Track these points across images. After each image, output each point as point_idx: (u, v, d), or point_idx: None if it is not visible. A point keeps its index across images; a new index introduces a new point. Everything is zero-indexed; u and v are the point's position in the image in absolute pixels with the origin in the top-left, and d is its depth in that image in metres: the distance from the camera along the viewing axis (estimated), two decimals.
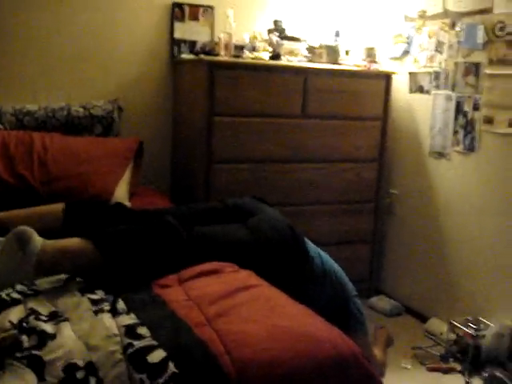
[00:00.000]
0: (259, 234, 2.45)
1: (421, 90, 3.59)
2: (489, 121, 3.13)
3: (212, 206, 2.76)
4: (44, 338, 1.54)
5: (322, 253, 2.79)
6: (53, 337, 1.56)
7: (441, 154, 3.46)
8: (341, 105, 3.52)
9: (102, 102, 3.34)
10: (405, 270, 3.79)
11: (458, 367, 3.03)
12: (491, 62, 3.08)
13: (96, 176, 2.91)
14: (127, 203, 2.91)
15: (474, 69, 3.19)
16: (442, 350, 3.19)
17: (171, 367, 1.44)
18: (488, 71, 3.10)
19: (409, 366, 3.04)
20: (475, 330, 3.05)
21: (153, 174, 3.60)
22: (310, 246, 2.67)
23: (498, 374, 2.87)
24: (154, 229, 2.20)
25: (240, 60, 3.29)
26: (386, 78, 3.64)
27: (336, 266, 2.79)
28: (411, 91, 3.67)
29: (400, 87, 3.73)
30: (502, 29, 3.02)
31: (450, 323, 3.16)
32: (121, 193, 2.94)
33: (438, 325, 3.36)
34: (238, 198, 2.75)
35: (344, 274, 2.83)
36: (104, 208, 2.53)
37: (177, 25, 3.60)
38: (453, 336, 3.15)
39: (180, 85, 3.56)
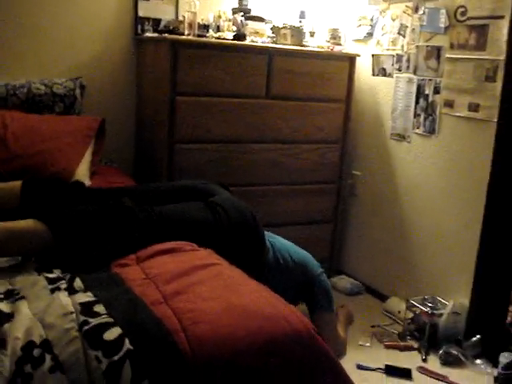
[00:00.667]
0: (222, 214, 2.47)
1: (383, 72, 3.62)
2: (449, 104, 3.18)
3: (173, 185, 2.76)
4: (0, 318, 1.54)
5: (277, 240, 2.83)
6: (9, 316, 1.56)
7: (402, 137, 3.50)
8: (305, 86, 3.53)
9: (64, 79, 3.30)
10: (365, 250, 3.85)
11: (415, 345, 3.10)
12: (452, 46, 3.13)
13: (57, 154, 2.88)
14: (88, 182, 2.90)
15: (435, 52, 3.23)
16: (399, 328, 3.26)
17: (127, 344, 1.45)
18: (449, 55, 3.15)
19: (367, 344, 3.10)
20: (432, 308, 3.12)
21: (116, 153, 3.58)
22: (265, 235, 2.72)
23: (453, 351, 2.96)
24: (108, 210, 2.19)
25: (204, 39, 3.27)
26: (350, 60, 3.66)
27: (293, 251, 2.83)
28: (374, 74, 3.70)
29: (363, 69, 3.76)
30: (463, 13, 3.05)
31: (408, 302, 3.23)
32: (82, 171, 2.91)
33: (396, 304, 3.43)
34: (200, 180, 2.77)
35: (305, 255, 2.88)
36: (61, 186, 2.51)
37: (141, 3, 3.56)
38: (410, 314, 3.22)
39: (143, 63, 3.54)
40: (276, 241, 2.84)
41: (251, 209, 2.58)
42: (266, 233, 2.73)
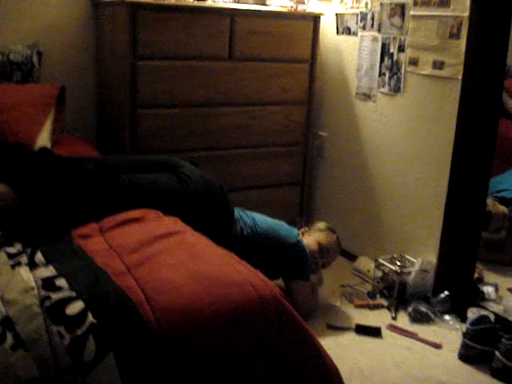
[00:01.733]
0: (190, 184, 2.45)
1: (348, 31, 3.58)
2: (414, 62, 3.15)
3: (144, 158, 2.74)
4: None
5: (246, 213, 2.84)
6: None
7: (367, 96, 3.48)
8: (268, 47, 3.48)
9: (20, 46, 3.19)
10: (334, 211, 3.85)
11: (385, 303, 3.13)
12: (416, 3, 3.09)
13: (16, 124, 2.82)
14: None
15: (399, 10, 3.19)
16: (369, 288, 3.28)
17: (90, 318, 1.44)
18: (413, 12, 3.11)
19: (337, 304, 3.12)
20: (401, 267, 3.15)
21: (77, 122, 3.49)
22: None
23: (422, 308, 2.99)
24: (74, 175, 2.16)
25: (164, 1, 3.18)
26: (314, 19, 3.60)
27: (262, 221, 2.84)
28: (338, 33, 3.65)
29: (327, 29, 3.71)
30: None
31: (377, 261, 3.25)
32: (43, 141, 2.85)
33: (365, 263, 3.45)
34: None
35: (275, 225, 2.88)
36: (28, 152, 2.47)
37: None
38: (380, 273, 3.24)
39: (102, 28, 3.43)
40: (245, 213, 2.84)
41: (219, 181, 2.57)
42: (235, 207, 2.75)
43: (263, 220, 2.89)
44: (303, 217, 3.76)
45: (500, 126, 2.88)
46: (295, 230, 2.98)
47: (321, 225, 3.17)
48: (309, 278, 2.92)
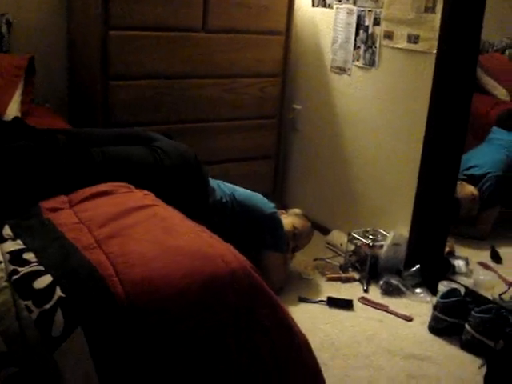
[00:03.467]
0: (163, 156, 2.43)
1: (323, 3, 3.54)
2: (389, 36, 3.14)
3: (116, 131, 2.71)
4: None
5: (222, 183, 2.83)
6: None
7: (342, 69, 3.47)
8: (243, 18, 3.43)
9: None
10: (308, 184, 3.86)
11: (357, 276, 3.16)
12: None
13: None
14: None
15: None
16: (341, 261, 3.30)
17: (58, 292, 1.42)
18: None
19: (310, 277, 3.14)
20: (373, 240, 3.17)
21: (48, 93, 3.42)
22: (210, 179, 2.72)
23: (393, 281, 3.03)
24: (45, 147, 2.14)
25: None
26: None
27: (239, 192, 2.83)
28: (314, 5, 3.61)
29: (303, 1, 3.67)
30: None
31: (350, 235, 3.27)
32: (12, 112, 2.81)
33: (338, 237, 3.47)
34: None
35: (252, 196, 2.88)
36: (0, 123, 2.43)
37: None
38: (352, 247, 3.26)
39: None
40: (221, 183, 2.83)
41: (193, 151, 2.55)
42: (210, 178, 2.72)
43: (242, 190, 2.89)
44: (272, 194, 3.76)
45: (473, 102, 2.89)
46: (272, 203, 2.98)
47: (297, 211, 3.22)
48: (283, 251, 2.93)
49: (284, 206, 3.92)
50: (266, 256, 2.87)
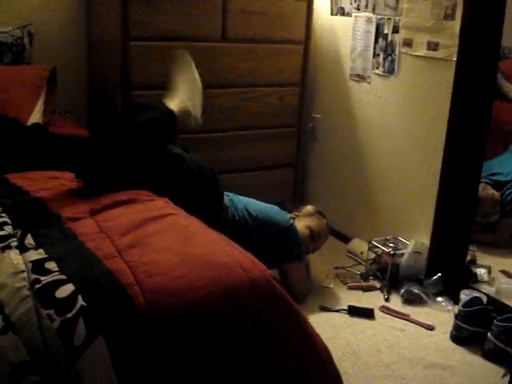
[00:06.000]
0: (183, 165, 2.45)
1: (342, 11, 3.54)
2: (408, 43, 3.13)
3: None
4: None
5: (237, 198, 2.82)
6: None
7: (361, 77, 3.46)
8: (262, 28, 3.44)
9: (11, 27, 3.15)
10: (328, 193, 3.85)
11: (378, 285, 3.14)
12: None
13: (7, 106, 2.82)
14: None
15: None
16: (362, 269, 3.29)
17: (80, 301, 1.42)
18: None
19: (331, 285, 3.13)
20: (394, 248, 3.16)
21: (69, 103, 3.46)
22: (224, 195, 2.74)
23: (414, 289, 3.00)
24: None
25: None
26: None
27: (254, 208, 2.83)
28: (333, 13, 3.62)
29: (322, 9, 3.68)
30: None
31: (371, 243, 3.25)
32: (34, 122, 2.84)
33: (359, 245, 3.46)
34: None
35: (268, 210, 2.88)
36: (20, 127, 2.47)
37: None
38: (373, 255, 3.25)
39: (93, 7, 3.39)
40: (236, 198, 2.83)
41: (211, 163, 2.57)
42: (225, 192, 2.75)
43: (256, 204, 2.88)
44: (291, 200, 3.75)
45: (495, 109, 2.87)
46: (288, 214, 2.97)
47: (310, 208, 3.17)
48: (303, 259, 2.93)
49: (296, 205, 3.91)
50: (288, 267, 2.87)
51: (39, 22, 3.35)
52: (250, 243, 2.62)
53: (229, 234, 2.54)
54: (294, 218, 3.02)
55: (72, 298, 1.43)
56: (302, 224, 3.01)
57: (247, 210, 2.80)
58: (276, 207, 2.95)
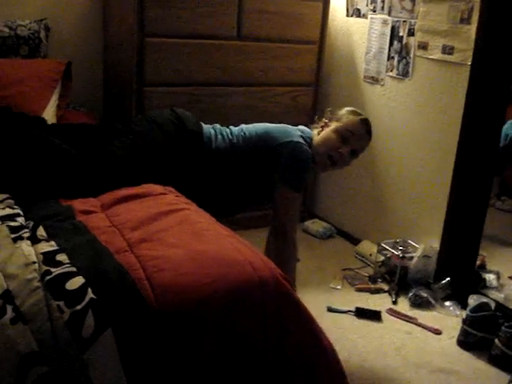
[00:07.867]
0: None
1: (358, 13, 3.54)
2: (423, 46, 3.13)
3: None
4: None
5: (229, 129, 2.68)
6: None
7: (375, 79, 3.46)
8: (277, 27, 3.45)
9: (28, 21, 3.17)
10: (338, 194, 3.84)
11: (386, 287, 3.14)
12: None
13: (22, 99, 2.81)
14: None
15: None
16: (371, 272, 3.29)
17: (89, 293, 1.44)
18: None
19: (339, 287, 3.13)
20: (403, 251, 3.15)
21: (84, 97, 3.48)
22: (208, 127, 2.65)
23: (423, 293, 3.00)
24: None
25: None
26: (324, 0, 3.57)
27: (254, 127, 2.65)
28: (348, 14, 3.61)
29: (337, 10, 3.67)
30: None
31: (380, 245, 3.25)
32: (48, 116, 2.84)
33: (368, 247, 3.45)
34: None
35: (274, 127, 2.65)
36: (24, 118, 2.47)
37: None
38: (382, 258, 3.24)
39: (110, 4, 3.41)
40: (226, 130, 2.67)
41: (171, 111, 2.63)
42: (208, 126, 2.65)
43: (257, 126, 2.65)
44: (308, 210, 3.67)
45: (508, 114, 2.87)
46: (297, 132, 2.60)
47: (341, 111, 2.69)
48: (295, 189, 2.52)
49: (312, 216, 3.92)
50: (278, 189, 2.51)
51: (56, 16, 3.36)
52: (249, 164, 2.54)
53: (214, 165, 2.51)
54: (322, 128, 2.65)
55: (82, 290, 1.44)
56: (328, 130, 2.61)
57: (243, 132, 2.61)
58: (286, 125, 2.66)
